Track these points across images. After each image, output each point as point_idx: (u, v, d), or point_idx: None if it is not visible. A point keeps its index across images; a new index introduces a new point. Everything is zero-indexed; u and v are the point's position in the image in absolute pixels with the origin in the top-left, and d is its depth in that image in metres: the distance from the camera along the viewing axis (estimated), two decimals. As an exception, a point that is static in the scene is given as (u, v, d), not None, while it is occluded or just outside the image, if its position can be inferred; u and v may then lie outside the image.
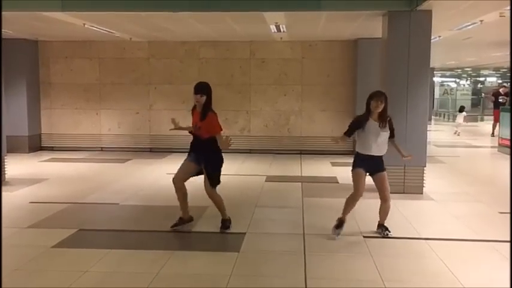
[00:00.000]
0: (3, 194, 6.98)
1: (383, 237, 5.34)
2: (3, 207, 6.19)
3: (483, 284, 4.17)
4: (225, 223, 5.59)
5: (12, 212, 6.30)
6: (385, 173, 5.33)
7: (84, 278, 4.21)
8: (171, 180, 5.53)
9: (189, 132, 5.57)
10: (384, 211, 5.44)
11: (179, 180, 5.48)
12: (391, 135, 5.35)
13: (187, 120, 5.65)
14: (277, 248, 5.08)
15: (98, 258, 4.69)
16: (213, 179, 5.45)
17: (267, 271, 4.45)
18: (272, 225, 5.93)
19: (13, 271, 4.30)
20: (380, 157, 5.30)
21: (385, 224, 5.47)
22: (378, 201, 5.41)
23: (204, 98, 5.39)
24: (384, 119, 5.21)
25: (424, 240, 5.28)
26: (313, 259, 4.69)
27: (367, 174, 5.34)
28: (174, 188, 5.50)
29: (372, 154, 5.23)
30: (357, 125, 5.26)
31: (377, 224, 5.52)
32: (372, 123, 5.19)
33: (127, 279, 4.23)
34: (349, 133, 5.30)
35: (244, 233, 5.48)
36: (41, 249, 4.93)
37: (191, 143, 5.54)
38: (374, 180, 5.37)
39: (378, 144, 5.21)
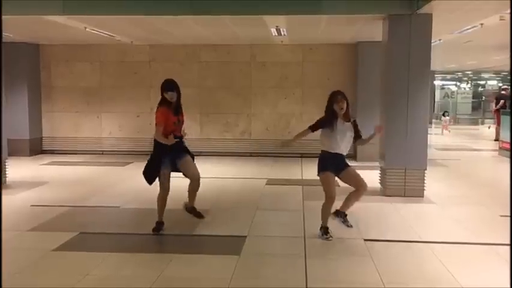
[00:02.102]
0: (4, 197, 6.99)
1: (349, 226, 5.38)
2: (4, 210, 6.19)
3: (483, 287, 4.16)
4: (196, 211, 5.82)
5: (13, 215, 6.30)
6: (352, 167, 5.36)
7: (84, 281, 4.21)
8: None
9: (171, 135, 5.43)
10: (355, 198, 5.37)
11: (168, 191, 5.56)
12: (359, 135, 5.36)
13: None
14: (277, 251, 5.09)
15: (98, 261, 4.69)
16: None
17: (268, 274, 4.44)
18: (273, 228, 5.93)
19: (14, 274, 4.30)
20: (343, 156, 5.33)
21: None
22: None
23: (176, 95, 5.42)
24: (348, 117, 5.27)
25: (425, 244, 5.27)
26: (313, 262, 4.69)
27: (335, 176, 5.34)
28: (162, 194, 5.55)
29: (340, 152, 5.26)
30: (325, 124, 5.26)
31: (336, 210, 5.46)
32: (340, 122, 5.24)
33: (127, 283, 4.23)
34: (314, 128, 5.29)
35: (245, 236, 5.48)
36: (41, 252, 4.93)
37: (167, 147, 5.39)
38: (343, 178, 5.36)
39: (344, 142, 5.25)
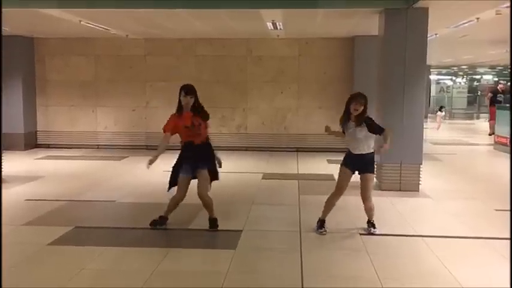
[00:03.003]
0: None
1: (370, 234, 5.36)
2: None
3: (479, 281, 4.18)
4: (215, 222, 5.54)
5: (8, 209, 6.26)
6: (371, 175, 5.35)
7: (80, 276, 4.20)
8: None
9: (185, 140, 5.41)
10: (367, 210, 5.46)
11: (183, 197, 5.48)
12: (378, 132, 5.20)
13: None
14: (273, 245, 5.09)
15: (94, 255, 4.69)
16: (216, 175, 5.53)
17: (264, 268, 4.45)
18: (269, 222, 5.93)
19: (9, 268, 4.28)
20: (368, 155, 5.27)
21: (374, 220, 5.47)
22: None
23: (193, 99, 5.35)
24: (359, 120, 5.15)
25: (420, 238, 5.29)
26: (309, 256, 4.70)
27: (355, 172, 5.34)
28: (177, 198, 5.48)
29: (357, 153, 5.25)
30: (341, 123, 5.36)
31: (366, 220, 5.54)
32: (351, 124, 5.22)
33: (123, 277, 4.23)
34: (343, 130, 5.40)
35: (241, 231, 5.48)
36: (37, 246, 4.92)
37: (186, 152, 5.40)
38: (360, 179, 5.37)
39: (358, 143, 5.20)
